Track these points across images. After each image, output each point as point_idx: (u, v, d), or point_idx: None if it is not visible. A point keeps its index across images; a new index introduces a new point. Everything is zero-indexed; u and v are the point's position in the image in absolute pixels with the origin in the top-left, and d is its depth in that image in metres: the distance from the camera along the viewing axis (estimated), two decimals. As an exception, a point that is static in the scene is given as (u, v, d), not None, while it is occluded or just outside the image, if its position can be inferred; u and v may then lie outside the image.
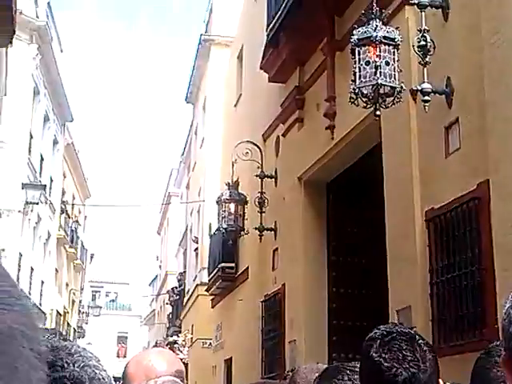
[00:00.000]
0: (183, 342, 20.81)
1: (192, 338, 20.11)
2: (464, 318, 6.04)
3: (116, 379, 3.43)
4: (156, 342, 27.37)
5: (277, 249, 11.11)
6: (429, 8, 6.50)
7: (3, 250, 17.46)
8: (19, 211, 18.62)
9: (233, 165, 11.67)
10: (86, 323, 36.92)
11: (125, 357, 45.84)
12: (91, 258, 39.66)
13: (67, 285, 30.73)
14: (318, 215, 10.07)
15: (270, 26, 10.27)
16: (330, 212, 10.06)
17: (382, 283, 7.45)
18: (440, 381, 1.84)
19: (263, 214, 11.16)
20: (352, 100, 6.37)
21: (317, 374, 2.56)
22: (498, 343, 1.82)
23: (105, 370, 1.45)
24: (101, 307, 40.73)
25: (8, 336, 0.63)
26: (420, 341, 1.83)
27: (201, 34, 21.57)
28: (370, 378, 1.83)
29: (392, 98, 6.30)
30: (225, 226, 11.77)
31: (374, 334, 1.85)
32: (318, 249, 9.92)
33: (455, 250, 6.20)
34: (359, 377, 1.95)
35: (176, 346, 20.29)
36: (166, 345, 20.70)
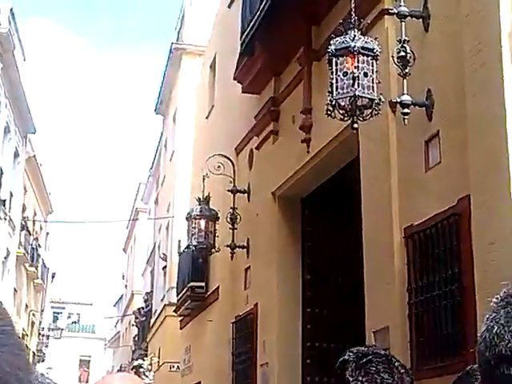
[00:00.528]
0: (149, 366, 20.39)
1: (158, 362, 19.67)
2: (443, 339, 5.87)
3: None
4: (120, 366, 26.89)
5: (249, 267, 10.83)
6: (409, 18, 6.34)
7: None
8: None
9: (204, 179, 11.38)
10: (47, 346, 35.98)
11: (87, 382, 45.06)
12: (53, 277, 38.91)
13: (27, 306, 30.02)
14: (293, 232, 9.83)
15: (245, 35, 10.05)
16: (305, 229, 9.83)
17: (359, 303, 7.22)
18: None
19: (235, 231, 10.89)
20: (329, 112, 6.17)
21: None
22: (476, 366, 1.69)
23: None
24: (62, 329, 39.86)
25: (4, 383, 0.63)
26: (396, 363, 1.75)
27: (172, 43, 21.23)
28: None
29: (370, 111, 6.11)
30: (195, 243, 11.47)
31: (348, 356, 1.77)
32: (293, 267, 9.67)
33: (435, 269, 6.03)
34: None
35: (141, 370, 19.86)
36: (132, 369, 20.27)
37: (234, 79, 11.14)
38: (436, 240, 6.04)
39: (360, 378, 1.72)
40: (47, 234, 36.29)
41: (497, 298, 1.01)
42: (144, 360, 21.59)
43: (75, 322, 55.52)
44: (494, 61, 5.36)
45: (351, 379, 1.73)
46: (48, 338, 36.45)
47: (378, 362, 1.74)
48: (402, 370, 1.77)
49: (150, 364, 20.74)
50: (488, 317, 1.00)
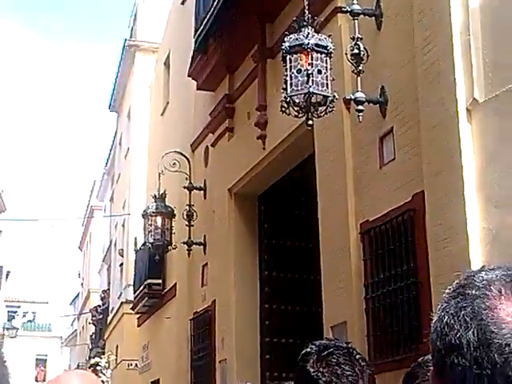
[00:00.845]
0: (106, 364, 20.19)
1: (116, 360, 19.51)
2: (400, 333, 5.94)
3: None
4: (78, 365, 26.60)
5: (206, 264, 10.80)
6: (362, 16, 6.39)
7: None
8: None
9: (159, 176, 11.30)
10: (1, 346, 35.42)
11: (44, 381, 44.38)
12: (7, 275, 38.21)
13: (-20, 304, 29.47)
14: (250, 229, 9.83)
15: (198, 32, 9.99)
16: (261, 225, 9.84)
17: (317, 299, 7.27)
18: None
19: (192, 228, 10.84)
20: (283, 109, 6.18)
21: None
22: (428, 358, 1.76)
23: None
24: (17, 328, 39.14)
25: None
26: (357, 356, 1.78)
27: (125, 39, 20.97)
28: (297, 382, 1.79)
29: (325, 108, 6.14)
30: (151, 240, 11.39)
31: (310, 348, 1.79)
32: (250, 263, 9.68)
33: (390, 264, 6.10)
34: None
35: (98, 367, 19.66)
36: (89, 367, 20.05)
37: (189, 76, 11.08)
38: (391, 235, 6.11)
39: (321, 370, 1.75)
40: (0, 232, 35.66)
41: (449, 289, 1.03)
42: (101, 358, 21.38)
43: (31, 321, 54.62)
44: (445, 58, 5.44)
45: (312, 370, 1.75)
46: (3, 338, 35.84)
47: (339, 355, 1.76)
48: (363, 363, 1.80)
49: (107, 362, 20.54)
50: (439, 307, 1.01)
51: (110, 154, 27.30)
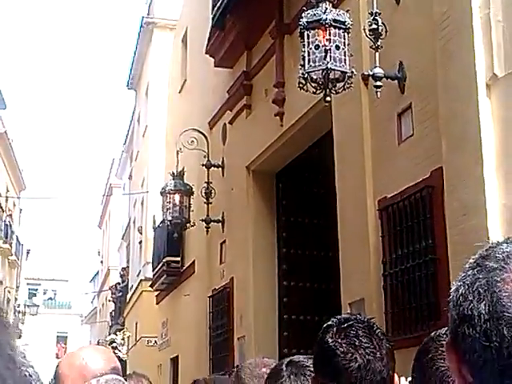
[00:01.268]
0: (122, 341, 20.38)
1: (136, 336, 19.69)
2: (418, 310, 5.93)
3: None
4: (98, 342, 26.84)
5: (224, 241, 10.83)
6: (380, -10, 6.30)
7: None
8: None
9: (177, 154, 11.30)
10: (23, 323, 35.77)
11: (65, 358, 44.74)
12: (27, 253, 38.64)
13: (1, 282, 29.83)
14: (268, 206, 9.84)
15: (216, 8, 9.94)
16: (279, 203, 9.83)
17: (335, 276, 7.27)
18: (395, 375, 1.81)
19: (210, 205, 10.86)
20: (301, 85, 6.14)
21: (264, 369, 2.52)
22: (441, 332, 1.78)
23: (32, 367, 1.32)
24: (38, 306, 39.66)
25: None
26: (377, 330, 1.81)
27: (142, 17, 20.92)
28: (324, 363, 1.82)
29: (342, 84, 6.10)
30: (169, 218, 11.43)
31: (332, 321, 1.84)
32: (268, 241, 9.69)
33: (408, 241, 6.08)
34: (313, 363, 1.94)
35: (114, 344, 19.85)
36: (109, 344, 20.22)
37: (206, 53, 11.04)
38: (410, 212, 6.08)
39: (339, 340, 1.78)
40: (20, 210, 35.96)
41: (472, 259, 1.02)
42: (117, 335, 21.59)
43: (51, 299, 55.25)
44: (464, 33, 5.37)
45: (330, 341, 1.78)
46: (24, 315, 36.28)
47: (358, 327, 1.79)
48: (382, 337, 1.81)
49: (123, 339, 20.74)
50: (459, 277, 1.02)
51: (128, 132, 27.36)
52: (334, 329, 1.81)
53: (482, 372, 0.96)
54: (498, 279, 0.96)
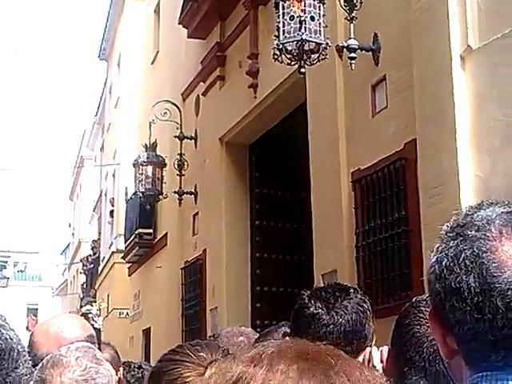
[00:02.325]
0: (97, 312, 20.34)
1: (107, 308, 19.65)
2: (390, 281, 5.97)
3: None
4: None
5: (197, 213, 10.81)
6: (355, -39, 6.26)
7: None
8: None
9: (150, 125, 11.22)
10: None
11: (35, 330, 44.61)
12: (-4, 226, 38.18)
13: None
14: (241, 178, 9.82)
15: (189, -22, 9.83)
16: (253, 175, 9.82)
17: (308, 248, 7.30)
18: (370, 348, 1.82)
19: (183, 177, 10.81)
20: (276, 57, 6.10)
21: (241, 338, 2.49)
22: (421, 298, 1.77)
23: (12, 330, 1.32)
24: (8, 278, 39.40)
25: None
26: (354, 295, 1.82)
27: (114, -15, 20.61)
28: (295, 319, 1.87)
29: (317, 55, 6.06)
30: (142, 189, 11.37)
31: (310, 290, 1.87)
32: (241, 213, 9.69)
33: (382, 212, 6.11)
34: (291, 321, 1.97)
35: (90, 315, 19.81)
36: (80, 316, 20.13)
37: (179, 24, 10.92)
38: (383, 184, 6.11)
39: (312, 301, 1.82)
40: (-11, 183, 35.50)
41: (447, 227, 1.00)
42: (92, 306, 21.53)
43: (21, 271, 54.89)
44: (439, 5, 5.36)
45: (303, 302, 1.82)
46: (-6, 287, 36.02)
47: (333, 290, 1.84)
48: (358, 301, 1.85)
49: (99, 309, 20.69)
50: (437, 247, 0.99)
51: (100, 104, 27.07)
52: (309, 292, 1.84)
53: (472, 343, 0.95)
54: (484, 249, 0.94)
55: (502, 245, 0.94)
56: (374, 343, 1.88)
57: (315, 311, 1.78)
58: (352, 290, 1.86)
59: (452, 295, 0.95)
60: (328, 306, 1.79)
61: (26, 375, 1.33)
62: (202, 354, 1.56)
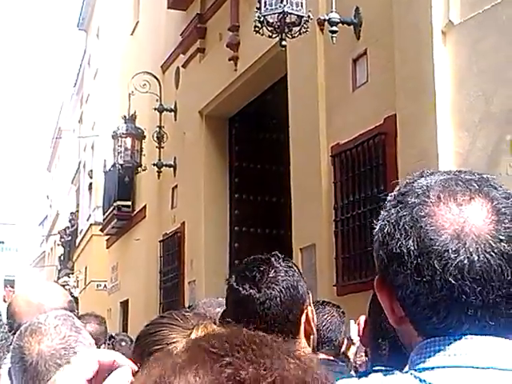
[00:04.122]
0: (74, 284, 20.35)
1: (85, 280, 19.65)
2: (368, 255, 5.98)
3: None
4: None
5: (176, 186, 10.78)
6: None
7: None
8: None
9: (129, 97, 11.12)
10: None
11: (13, 300, 44.47)
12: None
13: None
14: (220, 151, 9.79)
15: None
16: (232, 148, 9.79)
17: (286, 222, 7.31)
18: (310, 307, 1.81)
19: (162, 150, 10.76)
20: (257, 29, 6.06)
21: (218, 309, 2.50)
22: None
23: None
24: (-16, 250, 39.15)
25: None
26: (278, 263, 1.79)
27: (93, -45, 20.32)
28: (229, 303, 1.88)
29: (298, 28, 6.04)
30: (121, 161, 11.31)
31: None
32: (220, 186, 9.67)
33: (361, 187, 6.12)
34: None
35: (67, 287, 19.80)
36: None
37: (159, -6, 10.81)
38: (362, 158, 6.11)
39: (240, 284, 1.80)
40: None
41: (390, 196, 1.02)
42: (69, 277, 21.52)
43: (-1, 242, 54.53)
44: (422, -21, 5.33)
45: (235, 284, 1.80)
46: (-30, 259, 35.76)
47: (256, 265, 1.81)
48: (279, 260, 1.82)
49: (76, 281, 20.68)
50: (381, 216, 1.02)
51: (78, 75, 26.78)
52: (234, 275, 1.84)
53: (415, 306, 0.97)
54: (422, 214, 0.96)
55: (439, 209, 0.96)
56: (311, 300, 1.89)
57: (246, 293, 1.77)
58: (273, 259, 1.82)
59: (394, 260, 0.97)
60: (257, 284, 1.77)
61: (1, 340, 1.31)
62: (188, 318, 1.56)
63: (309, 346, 1.85)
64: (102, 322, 3.71)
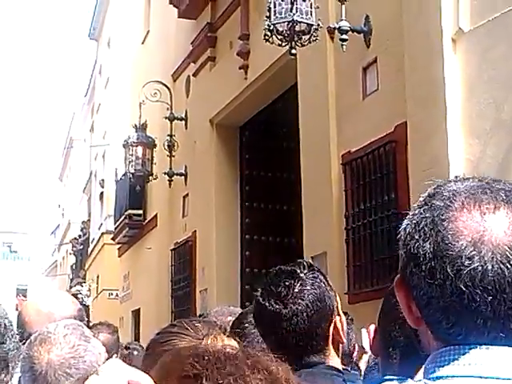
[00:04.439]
0: (87, 292, 20.38)
1: (97, 289, 19.67)
2: (379, 263, 5.98)
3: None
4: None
5: (187, 194, 10.79)
6: None
7: None
8: None
9: (140, 106, 11.15)
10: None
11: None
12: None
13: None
14: (231, 160, 9.80)
15: (180, -43, 9.74)
16: (243, 156, 9.80)
17: (297, 230, 7.30)
18: (339, 316, 1.79)
19: (173, 158, 10.77)
20: (267, 38, 6.07)
21: (230, 317, 2.50)
22: None
23: (6, 318, 1.31)
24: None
25: None
26: (304, 274, 1.78)
27: (105, -35, 20.45)
28: (258, 320, 1.87)
29: (308, 36, 6.03)
30: (132, 170, 11.32)
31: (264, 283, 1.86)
32: (231, 194, 9.68)
33: (372, 195, 6.12)
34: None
35: (80, 296, 19.85)
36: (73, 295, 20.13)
37: (170, 3, 10.83)
38: (373, 166, 6.10)
39: (267, 300, 1.79)
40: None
41: (421, 197, 1.03)
42: (82, 286, 21.56)
43: (11, 251, 54.75)
44: (432, -13, 5.34)
45: (261, 300, 1.79)
46: (-17, 268, 35.92)
47: (280, 279, 1.80)
48: (305, 270, 1.82)
49: (89, 290, 20.71)
50: (408, 215, 1.03)
51: (89, 84, 26.91)
52: (260, 290, 1.82)
53: (427, 308, 0.98)
54: (443, 217, 0.96)
55: (461, 215, 0.96)
56: (339, 305, 1.88)
57: (273, 309, 1.76)
58: (299, 271, 1.80)
59: (411, 260, 0.98)
60: (283, 300, 1.76)
61: (12, 350, 1.31)
62: (199, 327, 1.56)
63: (337, 355, 1.84)
64: (115, 331, 3.72)
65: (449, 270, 0.94)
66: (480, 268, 0.93)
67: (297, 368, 1.61)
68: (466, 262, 0.93)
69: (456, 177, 1.03)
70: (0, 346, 1.24)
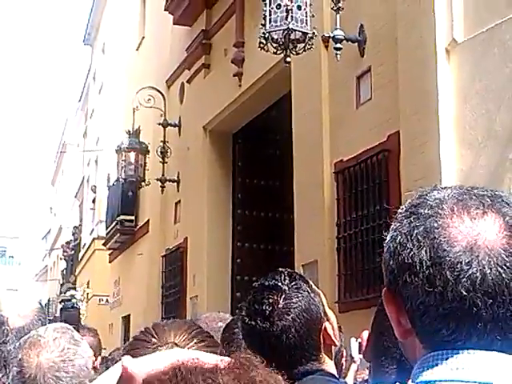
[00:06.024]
0: (82, 297, 20.31)
1: (87, 294, 19.60)
2: (370, 272, 5.98)
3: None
4: (49, 300, 26.66)
5: (179, 201, 10.79)
6: (342, -49, 6.23)
7: None
8: None
9: (134, 112, 11.15)
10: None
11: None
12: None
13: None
14: (224, 167, 9.81)
15: (175, -36, 9.76)
16: (235, 163, 9.81)
17: (289, 238, 7.30)
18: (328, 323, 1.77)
19: (166, 165, 10.77)
20: (261, 45, 6.07)
21: (220, 323, 2.50)
22: None
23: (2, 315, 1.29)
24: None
25: None
26: (287, 287, 1.75)
27: (100, -30, 20.47)
28: (245, 337, 1.85)
29: (303, 45, 6.03)
30: (124, 176, 11.32)
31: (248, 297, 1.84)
32: (223, 201, 9.68)
33: (363, 204, 6.12)
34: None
35: (74, 300, 19.75)
36: (60, 302, 20.08)
37: (165, 10, 10.85)
38: (365, 175, 6.11)
39: (253, 319, 1.77)
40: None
41: (402, 209, 1.03)
42: (76, 291, 21.47)
43: (1, 256, 54.56)
44: (426, -3, 5.36)
45: (247, 320, 1.79)
46: (-27, 272, 35.76)
47: (263, 296, 1.77)
48: (287, 282, 1.79)
49: (83, 295, 20.64)
50: (392, 227, 1.02)
51: (83, 89, 26.90)
52: (245, 308, 1.80)
53: (424, 318, 0.97)
54: (436, 225, 0.97)
55: (452, 222, 0.97)
56: (326, 307, 1.86)
57: (260, 329, 1.73)
58: (280, 284, 1.77)
59: (405, 270, 0.98)
60: (268, 318, 1.73)
61: (12, 351, 1.31)
62: (165, 335, 1.51)
63: (330, 358, 1.82)
64: (96, 334, 3.74)
65: (449, 276, 0.94)
66: (479, 272, 0.94)
67: (292, 378, 1.60)
68: (465, 267, 0.94)
69: (435, 186, 1.03)
70: (4, 344, 1.23)
